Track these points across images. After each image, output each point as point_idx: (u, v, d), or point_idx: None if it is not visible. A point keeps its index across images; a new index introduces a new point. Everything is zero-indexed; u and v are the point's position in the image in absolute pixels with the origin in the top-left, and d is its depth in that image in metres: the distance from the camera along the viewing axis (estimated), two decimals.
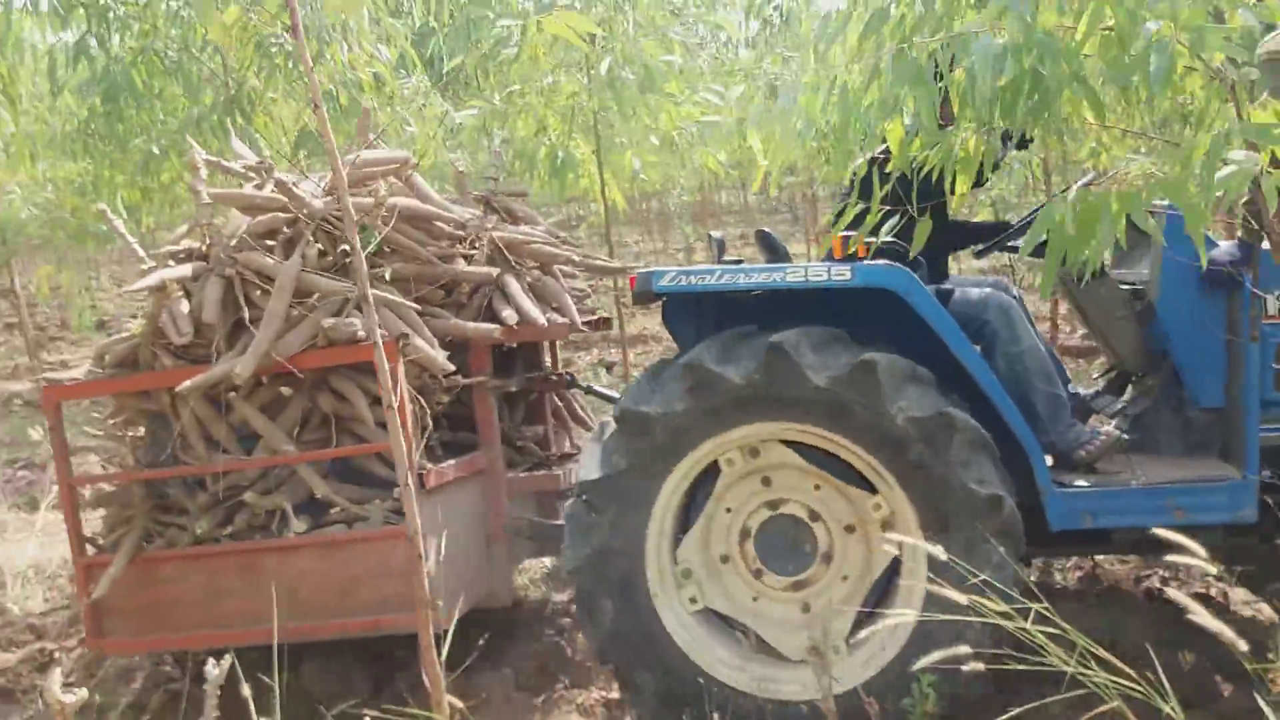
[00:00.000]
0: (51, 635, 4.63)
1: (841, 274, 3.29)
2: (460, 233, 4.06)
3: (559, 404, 4.82)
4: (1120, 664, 2.19)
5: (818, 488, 3.43)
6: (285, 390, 3.72)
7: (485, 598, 3.96)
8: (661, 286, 3.38)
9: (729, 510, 3.48)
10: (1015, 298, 3.94)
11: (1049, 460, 3.46)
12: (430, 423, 3.63)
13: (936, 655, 2.25)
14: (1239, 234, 3.41)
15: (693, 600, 3.47)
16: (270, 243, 3.74)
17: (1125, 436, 3.52)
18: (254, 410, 3.63)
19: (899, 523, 3.29)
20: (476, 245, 4.09)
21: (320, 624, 3.60)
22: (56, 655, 4.33)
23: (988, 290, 3.62)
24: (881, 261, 3.33)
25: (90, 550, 3.90)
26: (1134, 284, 3.72)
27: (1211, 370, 3.54)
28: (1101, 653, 2.23)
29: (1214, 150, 2.30)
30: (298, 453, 3.60)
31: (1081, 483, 3.44)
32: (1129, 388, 3.98)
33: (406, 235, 3.78)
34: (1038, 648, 2.32)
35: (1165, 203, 3.57)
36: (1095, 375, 4.19)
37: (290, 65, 5.42)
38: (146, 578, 3.73)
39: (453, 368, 3.67)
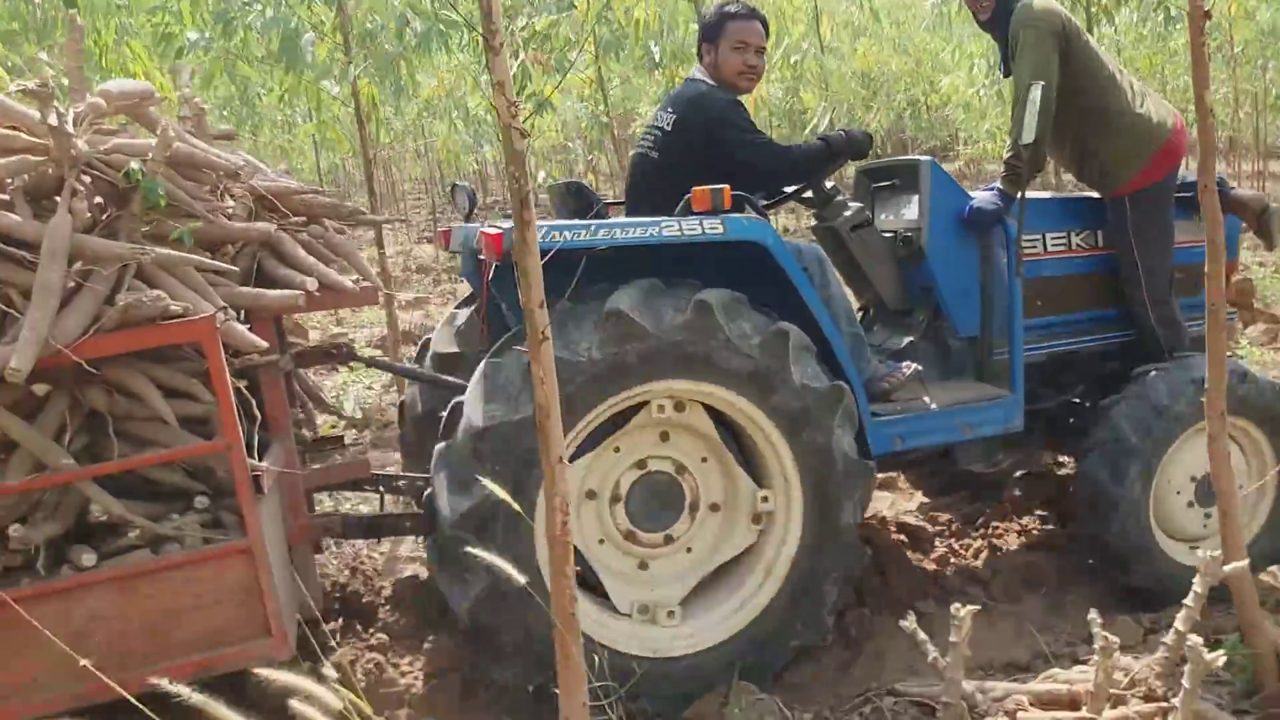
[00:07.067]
0: None
1: (714, 228, 3.27)
2: (224, 183, 3.37)
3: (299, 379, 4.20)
4: None
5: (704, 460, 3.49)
6: (38, 387, 2.85)
7: (301, 609, 3.39)
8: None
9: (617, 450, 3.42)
10: None
11: None
12: (259, 413, 3.00)
13: None
14: (999, 185, 3.94)
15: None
16: (2, 196, 2.82)
17: (920, 369, 3.92)
18: (8, 414, 2.73)
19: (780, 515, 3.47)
20: (235, 196, 3.42)
21: (126, 678, 2.83)
22: None
23: (803, 242, 3.82)
24: (744, 215, 3.36)
25: None
26: (896, 232, 4.13)
27: (970, 304, 4.06)
28: None
29: None
30: (79, 467, 2.78)
31: (890, 411, 3.80)
32: (879, 323, 4.44)
33: (180, 186, 3.05)
34: None
35: (929, 159, 4.04)
36: None
37: None
38: None
39: (266, 345, 3.06)
